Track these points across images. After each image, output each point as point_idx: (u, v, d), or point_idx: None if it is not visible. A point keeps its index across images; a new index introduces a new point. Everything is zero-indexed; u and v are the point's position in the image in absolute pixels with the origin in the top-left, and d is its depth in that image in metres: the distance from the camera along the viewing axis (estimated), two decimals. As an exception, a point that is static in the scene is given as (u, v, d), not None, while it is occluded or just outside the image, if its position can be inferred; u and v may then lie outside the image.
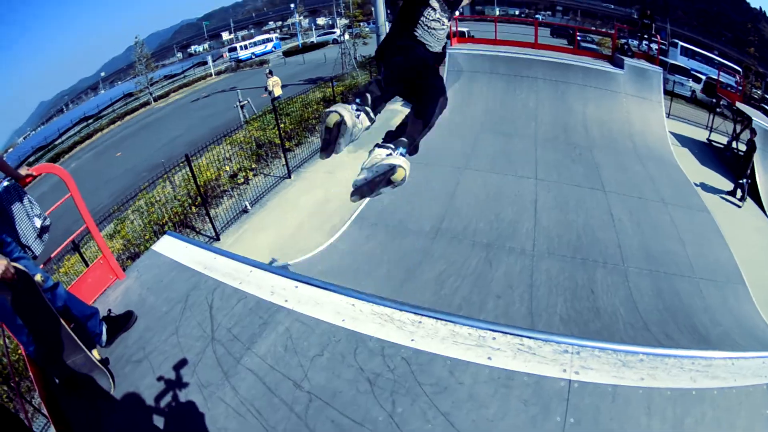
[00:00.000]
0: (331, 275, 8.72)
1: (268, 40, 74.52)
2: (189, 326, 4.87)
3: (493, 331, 4.40)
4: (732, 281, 10.34)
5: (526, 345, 4.29)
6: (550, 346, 4.28)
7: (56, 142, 45.92)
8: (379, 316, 4.59)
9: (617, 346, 4.30)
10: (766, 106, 34.32)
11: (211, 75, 53.49)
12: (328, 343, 4.43)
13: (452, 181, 12.55)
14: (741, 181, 15.09)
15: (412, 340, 4.35)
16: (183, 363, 4.51)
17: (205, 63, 62.53)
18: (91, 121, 48.82)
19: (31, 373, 4.49)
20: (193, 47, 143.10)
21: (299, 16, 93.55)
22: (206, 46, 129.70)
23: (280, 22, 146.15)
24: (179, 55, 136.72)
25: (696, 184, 14.92)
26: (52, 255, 5.87)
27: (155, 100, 44.67)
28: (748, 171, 15.22)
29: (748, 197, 15.18)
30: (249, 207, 12.39)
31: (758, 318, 9.40)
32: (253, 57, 61.83)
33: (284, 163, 14.21)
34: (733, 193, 15.19)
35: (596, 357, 4.20)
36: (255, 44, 70.46)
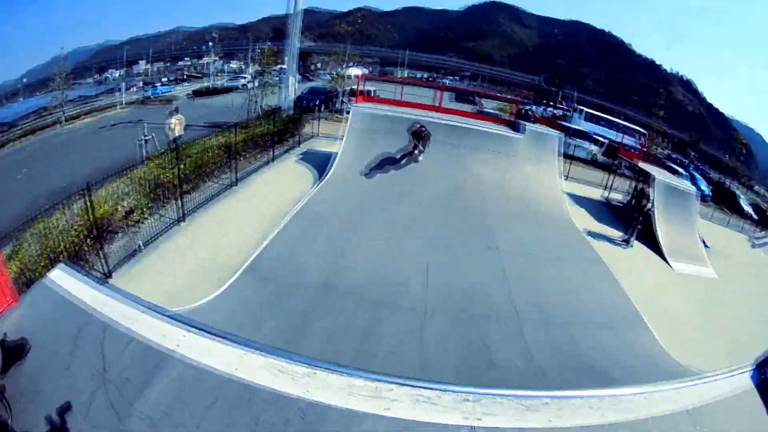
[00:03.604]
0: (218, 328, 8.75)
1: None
2: (81, 364, 4.77)
3: (389, 382, 4.58)
4: (632, 324, 10.85)
5: (425, 395, 4.51)
6: (449, 395, 4.53)
7: None
8: (272, 367, 4.64)
9: (519, 392, 4.59)
10: (671, 164, 36.44)
11: (121, 104, 51.99)
12: (220, 393, 4.42)
13: (343, 238, 12.69)
14: (633, 226, 16.34)
15: (307, 391, 4.43)
16: (77, 403, 4.43)
17: (119, 90, 60.83)
18: (4, 129, 46.69)
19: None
20: (110, 71, 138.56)
21: (214, 56, 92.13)
22: (121, 73, 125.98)
23: (195, 60, 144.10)
24: (96, 76, 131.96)
25: (592, 238, 15.79)
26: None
27: (66, 120, 43.04)
28: (640, 217, 16.34)
29: (635, 240, 16.42)
30: (142, 248, 11.95)
31: (662, 353, 9.96)
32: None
33: (180, 206, 13.84)
34: (626, 241, 16.33)
35: (498, 404, 4.47)
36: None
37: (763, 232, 29.28)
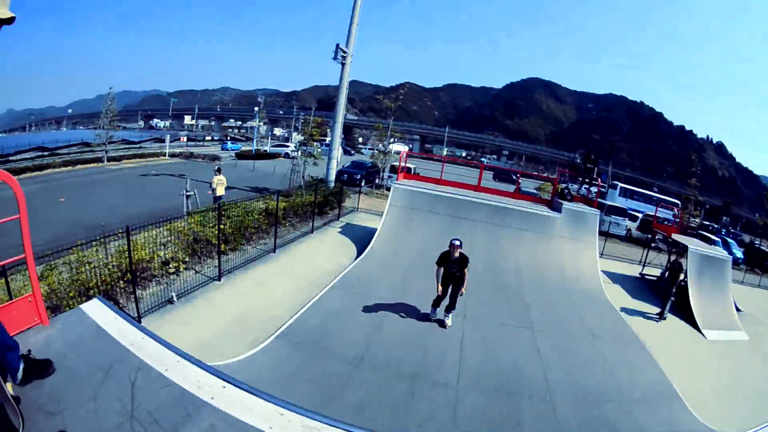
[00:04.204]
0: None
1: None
2: (108, 397, 4.53)
3: None
4: (666, 398, 10.64)
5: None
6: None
7: (10, 158, 44.29)
8: (309, 429, 4.39)
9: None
10: (704, 233, 36.21)
11: (164, 155, 52.95)
12: None
13: (380, 312, 12.58)
14: (667, 299, 16.26)
15: None
16: (98, 431, 4.18)
17: (163, 141, 62.18)
18: (46, 154, 47.74)
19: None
20: (155, 120, 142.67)
21: (260, 121, 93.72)
22: (167, 123, 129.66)
23: (240, 122, 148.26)
24: (141, 123, 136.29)
25: (627, 314, 15.72)
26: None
27: (108, 160, 43.84)
28: (674, 289, 16.26)
29: (669, 313, 16.40)
30: (175, 299, 11.91)
31: (697, 424, 9.82)
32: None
33: (217, 264, 13.95)
34: (660, 314, 16.24)
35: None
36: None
37: None
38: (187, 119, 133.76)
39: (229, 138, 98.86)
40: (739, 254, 38.47)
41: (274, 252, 16.73)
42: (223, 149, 70.42)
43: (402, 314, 12.67)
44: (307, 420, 4.50)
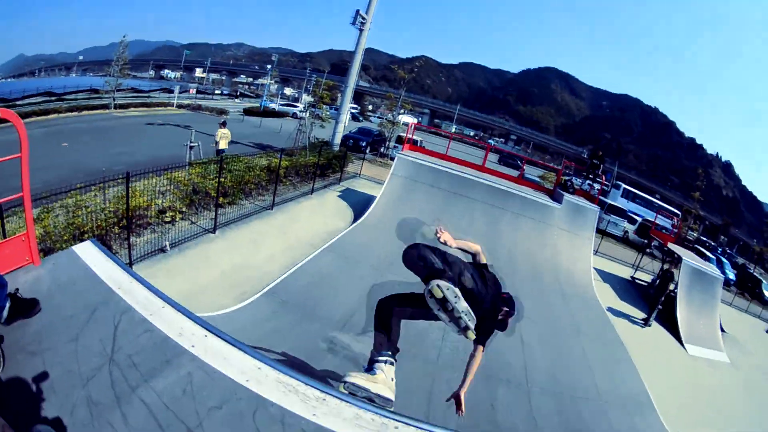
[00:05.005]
0: (230, 341, 8.62)
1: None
2: (90, 338, 4.60)
3: (395, 420, 4.36)
4: (641, 405, 10.78)
5: (429, 436, 4.35)
6: (451, 440, 4.32)
7: (17, 102, 43.92)
8: (284, 385, 4.48)
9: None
10: (699, 248, 36.39)
11: (172, 105, 52.55)
12: (228, 399, 4.26)
13: (370, 281, 12.52)
14: (654, 307, 16.58)
15: (314, 414, 4.23)
16: (76, 372, 4.25)
17: (172, 91, 61.75)
18: (53, 99, 47.54)
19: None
20: (166, 71, 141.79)
21: (271, 79, 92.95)
22: (178, 75, 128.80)
23: (251, 79, 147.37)
24: (151, 72, 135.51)
25: (613, 315, 15.92)
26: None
27: (115, 107, 43.57)
28: (662, 298, 16.61)
29: (655, 321, 16.65)
30: (168, 248, 12.02)
31: None
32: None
33: (213, 217, 14.00)
34: (646, 321, 16.46)
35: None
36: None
37: None
38: (199, 72, 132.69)
39: (238, 94, 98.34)
40: (731, 275, 38.84)
41: (271, 209, 16.82)
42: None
43: (391, 284, 12.59)
44: (282, 376, 4.57)
